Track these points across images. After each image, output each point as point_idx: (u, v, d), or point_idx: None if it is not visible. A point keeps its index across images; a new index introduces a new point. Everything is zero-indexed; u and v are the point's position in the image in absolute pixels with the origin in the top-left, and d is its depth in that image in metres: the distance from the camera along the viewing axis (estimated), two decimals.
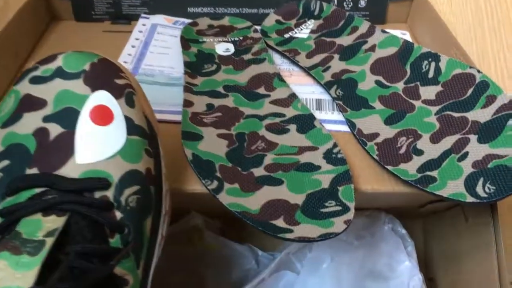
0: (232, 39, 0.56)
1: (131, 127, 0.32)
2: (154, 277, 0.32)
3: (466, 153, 0.38)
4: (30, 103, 0.31)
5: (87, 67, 0.32)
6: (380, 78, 0.48)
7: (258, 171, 0.39)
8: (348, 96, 0.47)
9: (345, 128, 0.46)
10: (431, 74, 0.45)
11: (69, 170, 0.29)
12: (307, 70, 0.52)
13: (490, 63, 0.68)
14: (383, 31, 0.51)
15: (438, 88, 0.44)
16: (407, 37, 0.61)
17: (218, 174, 0.38)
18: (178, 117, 0.44)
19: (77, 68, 0.32)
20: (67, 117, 0.31)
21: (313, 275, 0.46)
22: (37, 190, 0.28)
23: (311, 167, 0.39)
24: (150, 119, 0.35)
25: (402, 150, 0.41)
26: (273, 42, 0.56)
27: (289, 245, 0.48)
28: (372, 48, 0.50)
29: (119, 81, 0.33)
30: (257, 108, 0.46)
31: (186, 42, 0.55)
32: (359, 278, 0.46)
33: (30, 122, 0.30)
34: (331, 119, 0.47)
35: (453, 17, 0.71)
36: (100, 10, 0.61)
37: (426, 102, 0.44)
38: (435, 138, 0.41)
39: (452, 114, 0.42)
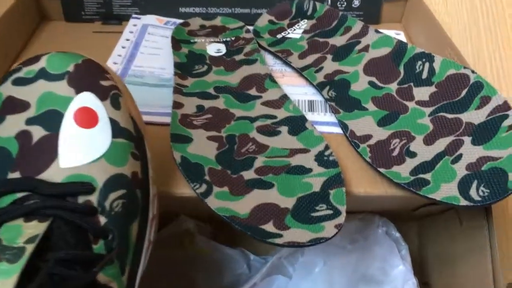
0: (224, 39, 0.56)
1: (117, 130, 0.31)
2: (141, 283, 0.31)
3: (460, 155, 0.38)
4: (13, 105, 0.30)
5: (71, 68, 0.31)
6: (373, 79, 0.47)
7: (248, 174, 0.38)
8: (340, 97, 0.47)
9: (337, 129, 0.45)
10: (425, 74, 0.45)
11: (52, 174, 0.29)
12: (299, 71, 0.51)
13: (486, 63, 0.67)
14: (377, 31, 0.50)
15: (432, 89, 0.44)
16: (402, 37, 0.60)
17: (207, 178, 0.38)
18: (168, 119, 0.43)
19: (61, 69, 0.31)
20: (51, 120, 0.30)
21: (305, 280, 0.46)
22: (19, 195, 0.28)
23: (302, 170, 0.39)
24: (136, 121, 0.34)
25: (395, 152, 0.40)
26: (265, 43, 0.56)
27: (281, 249, 0.48)
28: (366, 49, 0.50)
29: (104, 83, 0.32)
30: (248, 109, 0.45)
31: (177, 42, 0.54)
32: (352, 283, 0.45)
33: (13, 124, 0.30)
34: (323, 120, 0.46)
35: (448, 17, 0.71)
36: (91, 10, 0.60)
37: (419, 103, 0.43)
38: (429, 140, 0.40)
39: (446, 116, 0.41)
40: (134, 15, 0.60)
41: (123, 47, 0.55)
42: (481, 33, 0.70)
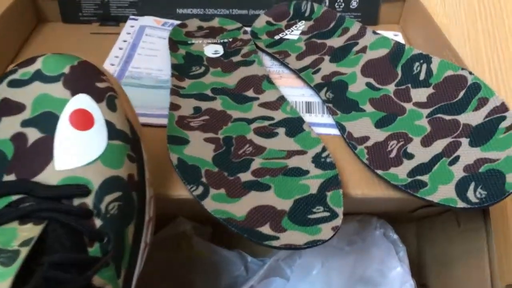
0: (222, 40, 0.56)
1: (113, 132, 0.31)
2: (138, 285, 0.31)
3: (458, 157, 0.37)
4: (8, 107, 0.30)
5: (66, 70, 0.31)
6: (371, 80, 0.47)
7: (245, 176, 0.38)
8: (338, 98, 0.47)
9: (335, 131, 0.45)
10: (422, 76, 0.45)
11: (47, 177, 0.29)
12: (297, 73, 0.51)
13: (484, 64, 0.67)
14: (374, 32, 0.50)
15: (430, 90, 0.43)
16: (400, 38, 0.60)
17: (203, 180, 0.37)
18: (165, 121, 0.43)
19: (57, 71, 0.31)
20: (46, 122, 0.30)
21: (303, 281, 0.46)
22: (14, 198, 0.28)
23: (299, 172, 0.38)
24: (133, 123, 0.34)
25: (393, 154, 0.40)
26: (263, 44, 0.56)
27: (279, 251, 0.47)
28: (363, 50, 0.50)
29: (100, 84, 0.32)
30: (245, 111, 0.45)
31: (174, 44, 0.54)
32: (350, 284, 0.45)
33: (8, 126, 0.30)
34: (321, 122, 0.46)
35: (446, 18, 0.70)
36: (88, 12, 0.60)
37: (417, 104, 0.43)
38: (426, 142, 0.40)
39: (444, 117, 0.41)
40: (131, 17, 0.60)
41: (120, 49, 0.55)
42: (479, 34, 0.70)
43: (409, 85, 0.45)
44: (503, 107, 0.38)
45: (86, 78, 0.32)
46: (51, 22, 0.61)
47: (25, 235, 0.26)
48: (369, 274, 0.46)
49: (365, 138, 0.42)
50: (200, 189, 0.36)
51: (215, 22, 0.59)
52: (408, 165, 0.39)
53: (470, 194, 0.35)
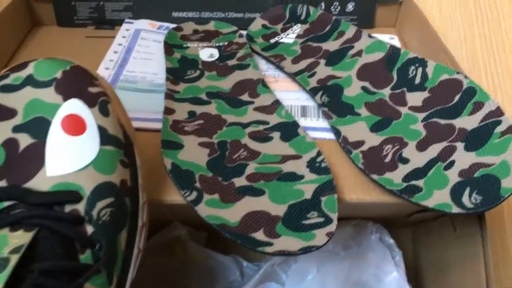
0: (217, 44, 0.55)
1: (105, 137, 0.31)
2: None
3: (453, 162, 0.37)
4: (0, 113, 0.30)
5: (58, 75, 0.31)
6: (367, 84, 0.47)
7: (239, 181, 0.38)
8: (333, 102, 0.46)
9: (330, 135, 0.45)
10: (418, 79, 0.44)
11: (39, 183, 0.28)
12: (292, 76, 0.51)
13: (480, 67, 0.67)
14: (370, 36, 0.50)
15: (425, 94, 0.43)
16: (396, 41, 0.60)
17: (197, 185, 0.37)
18: (160, 125, 0.43)
19: (49, 76, 0.31)
20: (38, 127, 0.30)
21: (298, 287, 0.45)
22: (5, 204, 0.27)
23: (294, 177, 0.38)
24: (126, 128, 0.33)
25: (388, 159, 0.40)
26: (258, 48, 0.55)
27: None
28: (359, 53, 0.50)
29: (93, 89, 0.32)
30: (240, 115, 0.45)
31: (169, 47, 0.54)
32: None
33: None
34: (316, 126, 0.46)
35: (442, 21, 0.70)
36: (83, 15, 0.60)
37: (412, 108, 0.43)
38: (421, 146, 0.40)
39: (439, 121, 0.41)
40: (127, 20, 0.60)
41: (115, 52, 0.54)
42: (475, 38, 0.70)
43: (405, 89, 0.45)
44: (498, 112, 0.38)
45: (78, 83, 0.31)
46: (46, 25, 0.61)
47: (16, 242, 0.26)
48: (365, 279, 0.45)
49: (361, 143, 0.42)
50: (194, 194, 0.36)
51: (211, 26, 0.59)
52: (403, 169, 0.39)
53: (465, 199, 0.34)
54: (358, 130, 0.43)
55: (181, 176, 0.38)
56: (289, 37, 0.56)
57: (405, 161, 0.39)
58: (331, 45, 0.52)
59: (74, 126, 0.30)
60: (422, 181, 0.37)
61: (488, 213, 0.39)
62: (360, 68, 0.48)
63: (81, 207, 0.28)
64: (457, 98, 0.41)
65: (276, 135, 0.43)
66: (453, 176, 0.36)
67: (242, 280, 0.48)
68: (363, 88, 0.47)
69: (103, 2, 0.59)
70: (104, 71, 0.52)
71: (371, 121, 0.43)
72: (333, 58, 0.51)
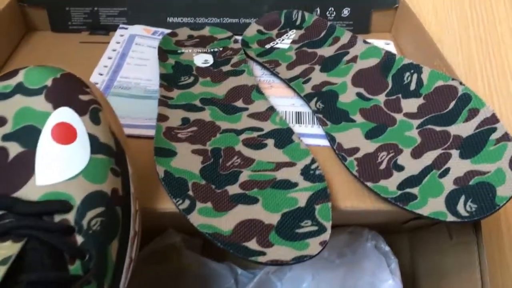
0: (212, 50, 0.55)
1: (96, 146, 0.31)
2: None
3: (448, 169, 0.37)
4: None
5: (49, 82, 0.31)
6: (361, 90, 0.46)
7: (233, 189, 0.38)
8: (328, 109, 0.46)
9: (325, 142, 0.44)
10: (413, 86, 0.44)
11: (28, 192, 0.28)
12: (287, 82, 0.50)
13: (477, 72, 0.67)
14: (365, 42, 0.50)
15: (420, 100, 0.43)
16: (391, 47, 0.60)
17: (190, 193, 0.37)
18: (154, 132, 0.43)
19: (39, 83, 0.31)
20: (28, 136, 0.29)
21: None
22: None
23: (288, 184, 0.38)
24: (118, 135, 0.33)
25: (383, 166, 0.39)
26: (253, 53, 0.55)
27: None
28: (354, 59, 0.49)
29: (84, 97, 0.31)
30: (234, 122, 0.45)
31: (164, 53, 0.53)
32: None
33: None
34: (311, 133, 0.46)
35: (438, 26, 0.70)
36: (77, 21, 0.60)
37: (407, 115, 0.43)
38: (416, 153, 0.39)
39: (434, 128, 0.41)
40: (121, 25, 0.60)
41: (110, 58, 0.54)
42: (471, 41, 0.69)
43: (400, 95, 0.44)
44: (493, 118, 0.38)
45: (68, 90, 0.31)
46: (40, 31, 0.60)
47: (4, 253, 0.25)
48: (360, 287, 0.45)
49: (355, 150, 0.41)
50: (187, 202, 0.36)
51: (206, 31, 0.59)
52: (398, 177, 0.38)
53: (460, 207, 0.34)
54: (353, 137, 0.43)
55: (173, 184, 0.37)
56: (284, 42, 0.56)
57: (400, 168, 0.39)
58: (326, 51, 0.52)
59: (64, 134, 0.30)
60: (417, 189, 0.37)
61: (485, 221, 0.39)
62: (355, 74, 0.48)
63: (71, 216, 0.28)
64: (452, 104, 0.41)
65: (270, 142, 0.42)
66: (448, 184, 0.36)
67: None
68: (358, 94, 0.46)
69: (98, 7, 0.59)
70: (98, 77, 0.51)
71: (366, 127, 0.43)
72: (328, 64, 0.50)
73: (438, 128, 0.40)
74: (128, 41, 0.57)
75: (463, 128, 0.39)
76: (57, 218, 0.28)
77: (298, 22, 0.58)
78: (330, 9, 0.61)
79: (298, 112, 0.48)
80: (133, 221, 0.33)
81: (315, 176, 0.38)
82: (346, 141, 0.42)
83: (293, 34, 0.57)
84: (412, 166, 0.39)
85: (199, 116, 0.45)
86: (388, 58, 0.47)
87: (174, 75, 0.50)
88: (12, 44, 0.57)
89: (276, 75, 0.52)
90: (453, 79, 0.42)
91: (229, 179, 0.39)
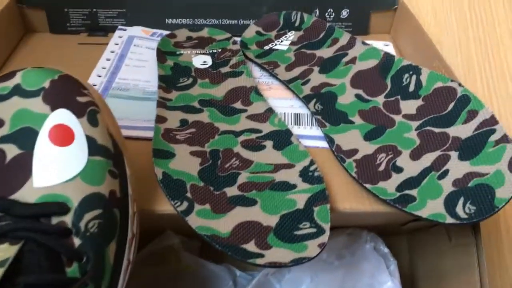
0: (210, 51, 0.55)
1: (94, 147, 0.31)
2: None
3: (447, 171, 0.37)
4: None
5: (46, 84, 0.31)
6: (360, 92, 0.46)
7: (231, 191, 0.38)
8: (327, 110, 0.46)
9: (323, 144, 0.44)
10: (411, 87, 0.44)
11: (25, 194, 0.28)
12: (286, 84, 0.50)
13: (476, 73, 0.67)
14: (364, 43, 0.50)
15: (419, 102, 0.43)
16: (390, 48, 0.60)
17: (188, 195, 0.37)
18: (152, 134, 0.43)
19: (36, 85, 0.30)
20: (25, 138, 0.29)
21: None
22: None
23: (286, 186, 0.38)
24: (115, 137, 0.33)
25: (381, 167, 0.39)
26: (252, 54, 0.55)
27: None
28: (353, 61, 0.49)
29: (81, 99, 0.31)
30: (233, 123, 0.44)
31: (162, 54, 0.53)
32: None
33: None
34: (309, 134, 0.46)
35: (437, 27, 0.70)
36: (76, 22, 0.59)
37: (406, 116, 0.43)
38: (415, 155, 0.39)
39: (433, 130, 0.40)
40: (120, 27, 0.60)
41: (108, 60, 0.54)
42: (470, 42, 0.69)
43: (399, 97, 0.44)
44: (492, 120, 0.38)
45: (66, 92, 0.31)
46: (38, 32, 0.60)
47: (1, 256, 0.25)
48: None
49: (354, 151, 0.41)
50: (185, 204, 0.36)
51: (205, 32, 0.58)
52: (397, 179, 0.38)
53: (459, 209, 0.34)
54: (351, 138, 0.43)
55: (172, 186, 0.37)
56: (283, 44, 0.56)
57: (399, 170, 0.39)
58: (325, 52, 0.52)
59: (62, 136, 0.30)
60: (415, 191, 0.37)
61: (484, 223, 0.39)
62: (354, 76, 0.48)
63: (68, 219, 0.28)
64: (451, 106, 0.41)
65: (268, 143, 0.42)
66: (447, 185, 0.36)
67: None
68: (357, 96, 0.46)
69: (96, 9, 0.59)
70: (96, 78, 0.51)
71: (364, 129, 0.43)
72: (327, 66, 0.50)
73: (437, 130, 0.40)
74: (126, 42, 0.57)
75: (462, 130, 0.39)
76: (55, 220, 0.28)
77: (297, 24, 0.58)
78: (329, 10, 0.61)
79: (297, 114, 0.48)
80: (131, 223, 0.32)
81: (313, 177, 0.38)
82: (345, 143, 0.42)
83: (292, 35, 0.57)
84: (411, 167, 0.39)
85: (198, 117, 0.45)
86: (387, 60, 0.47)
87: (173, 76, 0.50)
88: (11, 46, 0.57)
89: (275, 76, 0.52)
90: (452, 81, 0.42)
91: (227, 181, 0.39)
